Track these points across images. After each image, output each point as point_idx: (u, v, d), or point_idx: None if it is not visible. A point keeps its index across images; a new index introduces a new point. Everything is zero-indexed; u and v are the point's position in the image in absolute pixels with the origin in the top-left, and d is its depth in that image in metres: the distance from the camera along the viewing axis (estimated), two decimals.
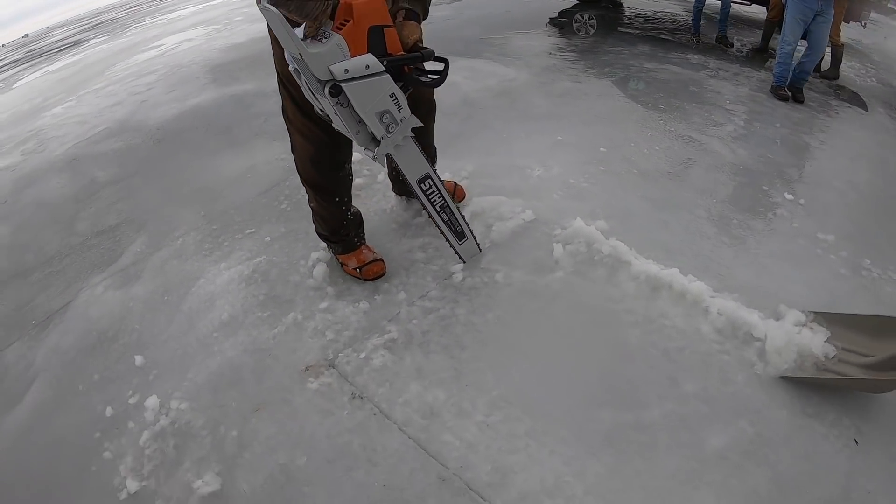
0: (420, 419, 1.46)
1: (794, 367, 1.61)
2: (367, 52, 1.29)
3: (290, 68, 1.41)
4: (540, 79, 4.34)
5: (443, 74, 1.47)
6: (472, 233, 1.92)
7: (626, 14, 7.51)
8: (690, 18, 6.02)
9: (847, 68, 5.43)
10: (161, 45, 8.60)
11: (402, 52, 1.38)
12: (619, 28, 6.59)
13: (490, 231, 2.16)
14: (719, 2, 5.69)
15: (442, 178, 1.74)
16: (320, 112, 1.49)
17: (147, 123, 4.32)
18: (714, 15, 5.76)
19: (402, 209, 2.35)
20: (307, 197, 1.95)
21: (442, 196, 1.73)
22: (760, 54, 5.83)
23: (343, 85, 1.27)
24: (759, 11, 6.05)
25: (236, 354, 1.76)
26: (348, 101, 1.32)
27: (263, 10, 1.23)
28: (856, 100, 4.64)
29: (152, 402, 1.65)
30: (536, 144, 3.04)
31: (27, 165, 4.10)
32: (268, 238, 2.34)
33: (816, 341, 1.64)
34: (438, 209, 1.75)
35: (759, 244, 2.27)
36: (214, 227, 2.53)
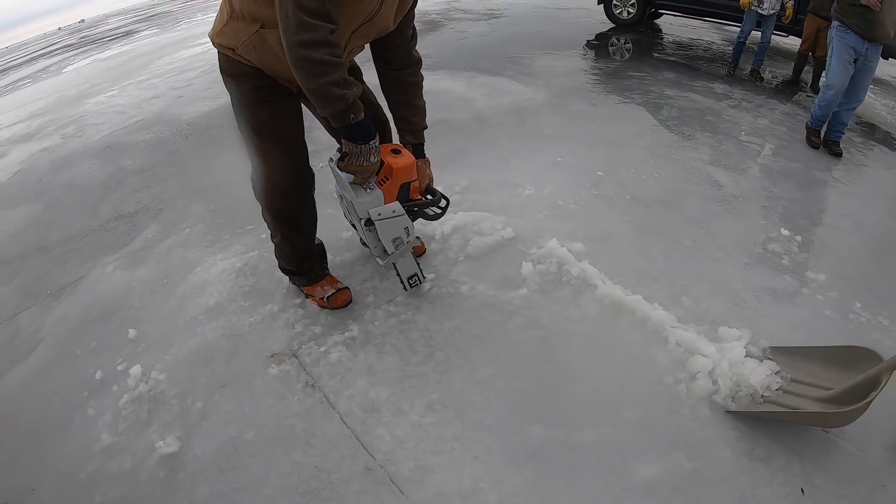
0: (360, 412, 1.61)
1: (740, 402, 1.61)
2: (396, 201, 1.71)
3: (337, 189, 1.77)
4: (556, 100, 4.42)
5: (444, 210, 1.88)
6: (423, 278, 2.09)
7: (663, 39, 7.56)
8: (731, 49, 6.02)
9: (881, 106, 5.33)
10: (207, 42, 8.97)
11: (419, 197, 1.81)
12: (653, 53, 6.63)
13: (467, 245, 2.30)
14: (760, 35, 5.74)
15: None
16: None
17: (179, 118, 4.61)
18: (753, 46, 5.78)
19: None
20: (269, 233, 1.98)
21: (419, 281, 2.02)
22: (790, 87, 5.77)
23: (376, 222, 1.70)
24: (796, 43, 5.98)
25: (214, 337, 1.95)
26: (376, 230, 1.72)
27: (333, 171, 1.67)
28: (885, 139, 4.48)
29: (136, 370, 1.84)
30: (535, 164, 3.14)
31: (65, 149, 4.44)
32: (263, 235, 2.51)
33: (759, 374, 1.62)
34: (411, 287, 2.02)
35: (743, 278, 2.23)
36: (219, 221, 2.74)
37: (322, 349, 1.83)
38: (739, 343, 1.76)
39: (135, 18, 22.11)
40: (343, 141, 1.53)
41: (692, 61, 6.22)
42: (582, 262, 2.15)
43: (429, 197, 1.84)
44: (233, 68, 1.61)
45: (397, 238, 1.78)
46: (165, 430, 1.64)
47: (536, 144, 3.45)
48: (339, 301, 2.02)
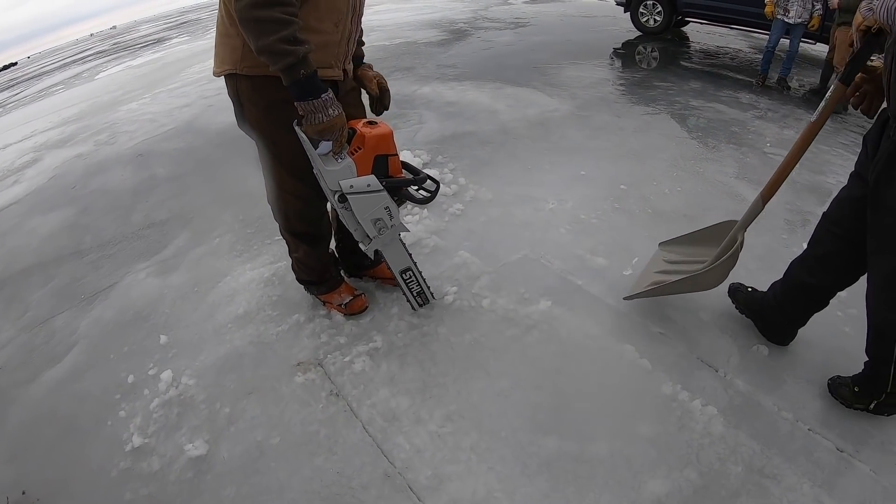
0: (381, 421, 1.66)
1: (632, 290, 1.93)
2: (371, 174, 1.65)
3: (313, 170, 1.70)
4: (580, 111, 4.45)
5: (434, 194, 1.80)
6: (432, 296, 2.12)
7: (690, 48, 7.53)
8: (759, 57, 5.99)
9: None
10: None
11: (402, 175, 1.74)
12: (679, 62, 6.60)
13: (492, 258, 2.37)
14: (788, 43, 5.74)
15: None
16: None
17: (209, 128, 4.75)
18: (780, 54, 5.76)
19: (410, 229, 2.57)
20: (288, 248, 2.06)
21: (419, 284, 2.03)
22: (817, 95, 5.62)
23: (348, 196, 1.65)
24: (824, 50, 5.94)
25: (242, 345, 2.03)
26: (351, 207, 1.67)
27: (300, 137, 1.59)
28: None
29: (167, 375, 1.92)
30: (558, 177, 3.18)
31: (98, 155, 4.60)
32: None
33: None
34: (415, 294, 2.04)
35: None
36: (248, 231, 2.83)
37: (346, 359, 1.89)
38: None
39: (165, 25, 22.75)
40: (297, 103, 1.47)
41: (719, 70, 6.19)
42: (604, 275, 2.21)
43: (412, 175, 1.78)
44: (253, 90, 1.62)
45: (378, 220, 1.73)
46: (194, 433, 1.71)
47: (560, 157, 3.49)
48: (356, 307, 2.09)
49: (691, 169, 3.38)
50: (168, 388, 1.88)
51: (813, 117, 1.56)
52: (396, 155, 1.71)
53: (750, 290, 2.02)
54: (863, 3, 1.37)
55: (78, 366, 2.12)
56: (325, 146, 1.56)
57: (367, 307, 2.12)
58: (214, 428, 1.72)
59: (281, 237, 2.06)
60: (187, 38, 14.35)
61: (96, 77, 10.34)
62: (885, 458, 1.54)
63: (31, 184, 4.21)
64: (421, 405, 1.70)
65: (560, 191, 2.96)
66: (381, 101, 1.89)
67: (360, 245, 1.84)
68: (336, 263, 2.16)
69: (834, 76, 5.38)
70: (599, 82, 5.41)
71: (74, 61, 16.36)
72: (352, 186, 1.64)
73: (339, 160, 1.62)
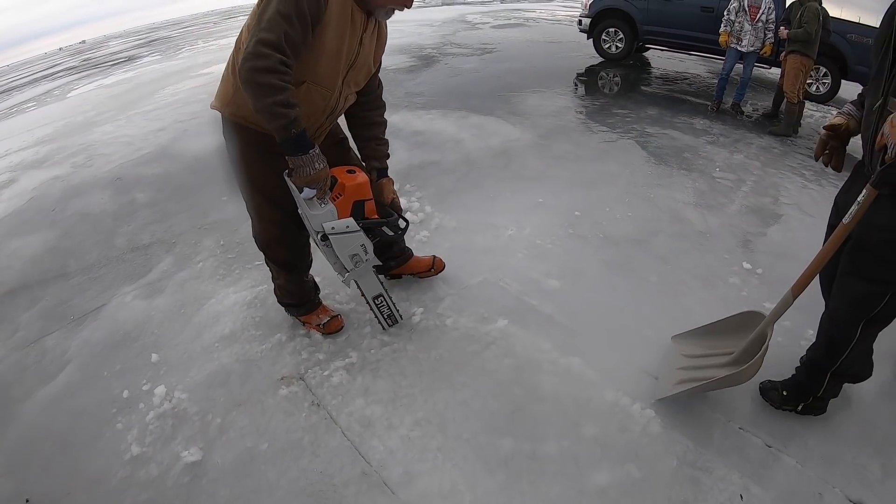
0: (358, 427, 1.89)
1: (661, 391, 1.95)
2: (350, 217, 1.91)
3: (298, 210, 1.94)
4: (541, 140, 4.75)
5: (403, 231, 2.11)
6: (400, 317, 2.36)
7: (650, 73, 7.96)
8: (716, 86, 6.29)
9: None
10: (210, 73, 9.20)
11: (376, 217, 2.01)
12: (640, 87, 6.97)
13: (455, 282, 2.62)
14: (742, 70, 6.09)
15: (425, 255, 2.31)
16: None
17: (185, 153, 4.90)
18: (737, 78, 6.11)
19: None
20: (271, 275, 2.29)
21: (389, 307, 2.27)
22: (770, 119, 6.05)
23: (329, 236, 1.89)
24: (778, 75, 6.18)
25: (230, 362, 2.23)
26: (332, 245, 1.92)
27: (290, 188, 1.83)
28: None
29: (160, 390, 2.10)
30: (518, 205, 3.45)
31: (76, 177, 4.68)
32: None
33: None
34: (386, 316, 2.29)
35: (702, 310, 2.40)
36: (230, 256, 3.03)
37: (325, 373, 2.11)
38: None
39: (136, 42, 22.51)
40: (288, 157, 1.71)
41: (677, 95, 6.57)
42: (554, 297, 2.48)
43: (385, 217, 2.06)
44: (244, 135, 1.86)
45: (355, 255, 1.98)
46: (189, 442, 1.90)
47: (520, 185, 3.77)
48: (334, 327, 2.32)
49: (642, 195, 3.68)
50: (162, 402, 2.06)
51: (845, 220, 1.61)
52: (372, 199, 1.98)
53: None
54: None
55: (72, 383, 2.27)
56: (309, 192, 1.79)
57: (343, 327, 2.35)
58: (207, 437, 1.91)
59: (262, 263, 2.28)
60: (158, 56, 14.35)
61: (68, 95, 10.29)
62: (811, 452, 1.81)
63: (9, 205, 4.28)
64: (392, 413, 1.94)
65: (519, 218, 3.25)
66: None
67: (339, 277, 2.09)
68: (316, 289, 2.38)
69: (784, 102, 5.78)
70: (561, 111, 5.74)
71: (45, 77, 16.12)
72: (333, 228, 1.89)
73: (322, 205, 1.86)
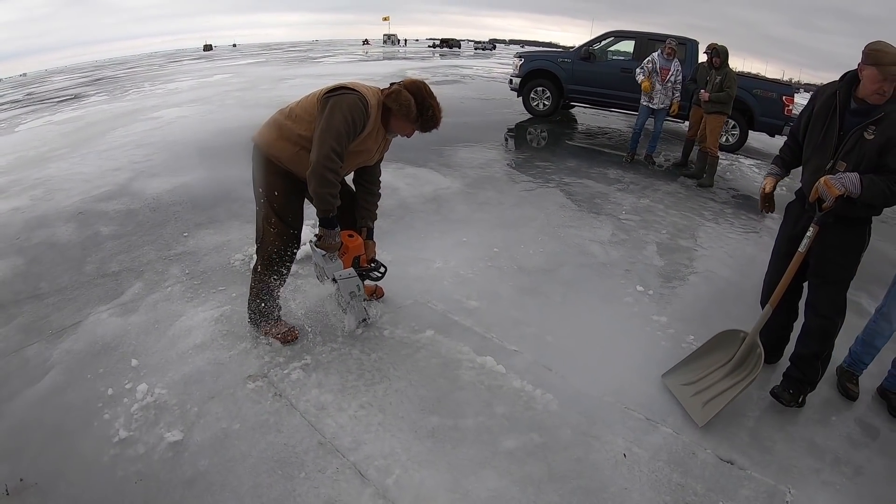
0: (314, 410, 2.36)
1: (697, 417, 2.42)
2: (350, 268, 2.65)
3: (314, 259, 2.70)
4: (468, 188, 5.44)
5: (382, 275, 2.87)
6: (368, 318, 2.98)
7: (575, 129, 8.80)
8: (630, 139, 7.10)
9: (762, 178, 6.34)
10: (158, 118, 9.55)
11: (366, 265, 2.78)
12: (564, 141, 7.77)
13: (391, 303, 3.16)
14: (654, 124, 6.91)
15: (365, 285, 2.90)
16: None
17: (144, 192, 5.25)
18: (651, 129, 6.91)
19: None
20: (250, 293, 2.78)
21: (367, 323, 2.95)
22: (679, 168, 6.93)
23: (338, 280, 2.64)
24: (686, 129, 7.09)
25: (203, 365, 2.65)
26: (339, 286, 2.66)
27: (311, 248, 2.64)
28: (754, 208, 5.48)
29: (142, 387, 2.48)
30: (445, 243, 4.08)
31: (37, 210, 4.92)
32: (234, 294, 3.27)
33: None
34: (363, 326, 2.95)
35: (598, 323, 3.13)
36: (196, 283, 3.45)
37: (285, 372, 2.58)
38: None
39: (80, 80, 22.30)
40: (320, 228, 2.47)
41: (597, 147, 7.40)
42: (473, 314, 3.06)
43: (372, 265, 2.83)
44: (272, 167, 2.52)
45: (352, 291, 2.70)
46: (171, 425, 2.30)
47: (448, 227, 4.42)
48: (291, 337, 2.81)
49: (554, 234, 4.39)
50: (145, 396, 2.44)
51: (801, 248, 2.39)
52: (364, 254, 2.74)
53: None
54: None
55: (57, 385, 2.59)
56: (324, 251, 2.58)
57: (297, 337, 2.83)
58: (187, 421, 2.32)
59: (225, 288, 2.74)
60: (105, 97, 14.44)
61: (16, 129, 10.27)
62: (687, 424, 2.43)
63: None
64: (342, 399, 2.43)
65: (446, 254, 3.88)
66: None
67: (339, 303, 2.82)
68: (279, 308, 2.87)
69: (696, 149, 6.57)
70: (488, 162, 6.50)
71: None
72: (339, 275, 2.63)
73: (333, 260, 2.60)
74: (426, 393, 2.50)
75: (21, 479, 2.10)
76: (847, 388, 2.75)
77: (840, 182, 2.20)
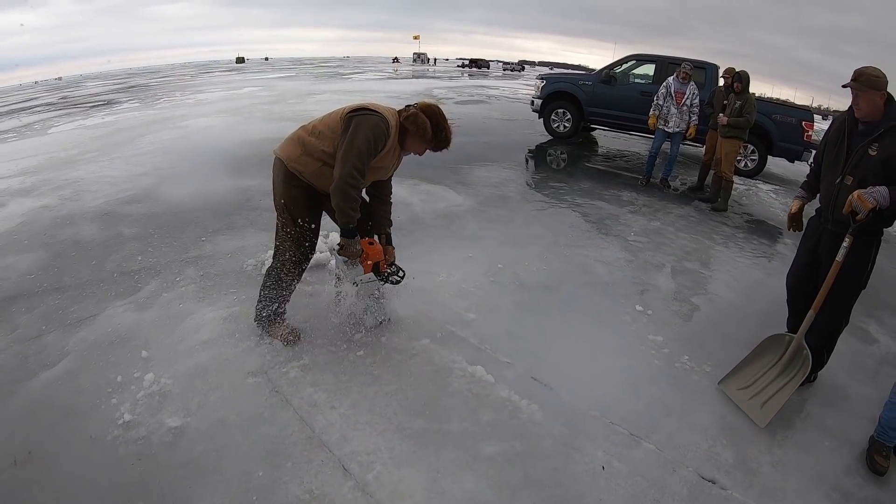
0: (307, 407, 2.49)
1: (758, 417, 2.60)
2: (370, 272, 2.79)
3: (336, 267, 2.99)
4: (480, 206, 5.57)
5: (402, 279, 2.97)
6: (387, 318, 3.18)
7: (595, 151, 8.81)
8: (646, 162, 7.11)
9: (780, 204, 6.42)
10: (186, 126, 9.91)
11: (385, 270, 2.88)
12: (582, 163, 7.79)
13: (391, 311, 3.28)
14: (670, 148, 6.89)
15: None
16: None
17: (167, 197, 5.50)
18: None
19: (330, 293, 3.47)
20: (260, 295, 2.92)
21: (384, 319, 3.18)
22: (694, 192, 6.88)
23: (359, 284, 2.92)
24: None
25: (208, 359, 2.80)
26: (360, 289, 2.98)
27: (335, 256, 2.87)
28: (767, 233, 5.50)
29: (149, 377, 2.64)
30: (451, 258, 4.20)
31: (64, 209, 5.19)
32: (244, 297, 3.43)
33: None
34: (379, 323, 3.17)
35: (593, 339, 3.21)
36: (209, 284, 3.63)
37: (284, 370, 2.72)
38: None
39: (113, 87, 23.18)
40: (342, 237, 2.63)
41: (612, 171, 7.40)
42: (470, 326, 3.18)
43: (391, 269, 2.95)
44: (294, 180, 2.68)
45: (373, 294, 3.05)
46: (172, 413, 2.44)
47: (456, 243, 4.55)
48: (292, 338, 2.96)
49: (560, 253, 4.48)
50: (151, 385, 2.60)
51: (838, 257, 2.57)
52: (383, 259, 2.84)
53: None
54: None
55: (71, 370, 2.77)
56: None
57: (299, 338, 2.97)
58: (188, 409, 2.46)
59: (235, 291, 2.91)
60: (137, 104, 15.01)
61: (49, 131, 10.75)
62: (671, 441, 2.48)
63: (0, 226, 4.74)
64: (334, 398, 2.56)
65: (450, 268, 4.00)
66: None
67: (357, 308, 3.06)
68: (285, 311, 3.02)
69: (711, 173, 6.55)
70: (503, 182, 6.61)
71: (22, 109, 16.47)
72: (361, 279, 2.88)
73: (355, 265, 2.89)
74: (415, 397, 2.61)
75: (30, 453, 2.26)
76: (875, 461, 2.45)
77: (871, 196, 2.39)
